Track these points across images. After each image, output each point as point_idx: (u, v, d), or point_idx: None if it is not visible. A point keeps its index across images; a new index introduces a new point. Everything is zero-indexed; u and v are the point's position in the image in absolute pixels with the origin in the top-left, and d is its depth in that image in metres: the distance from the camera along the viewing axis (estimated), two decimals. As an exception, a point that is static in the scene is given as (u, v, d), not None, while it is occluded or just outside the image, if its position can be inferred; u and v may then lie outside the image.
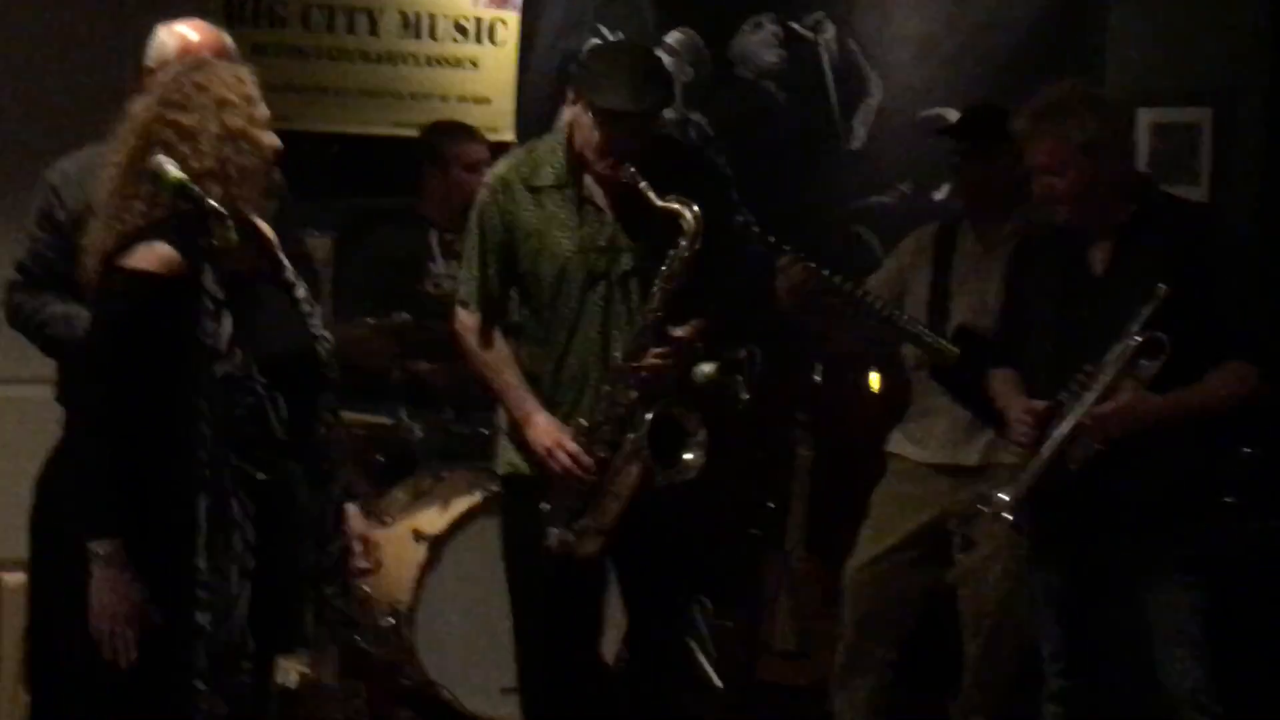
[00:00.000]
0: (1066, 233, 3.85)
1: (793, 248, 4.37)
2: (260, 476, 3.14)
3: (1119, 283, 3.74)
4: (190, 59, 3.25)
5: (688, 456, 3.81)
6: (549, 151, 3.92)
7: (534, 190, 3.88)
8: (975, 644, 4.56)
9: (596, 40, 5.80)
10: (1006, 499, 3.74)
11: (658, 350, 3.77)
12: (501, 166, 3.98)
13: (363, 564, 3.45)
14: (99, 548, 3.04)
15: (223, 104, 3.16)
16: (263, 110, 3.23)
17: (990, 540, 4.48)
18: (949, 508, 4.55)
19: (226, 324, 3.08)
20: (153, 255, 3.07)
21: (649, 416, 3.77)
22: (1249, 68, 5.12)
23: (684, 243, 3.73)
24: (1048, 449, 3.72)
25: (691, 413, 3.81)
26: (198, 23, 4.29)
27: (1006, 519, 3.76)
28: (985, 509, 3.85)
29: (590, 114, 3.76)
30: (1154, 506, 3.71)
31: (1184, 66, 5.35)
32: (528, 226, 3.89)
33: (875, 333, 4.58)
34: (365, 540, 3.44)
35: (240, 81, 3.21)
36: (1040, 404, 3.76)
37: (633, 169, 3.72)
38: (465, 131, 5.50)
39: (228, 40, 4.28)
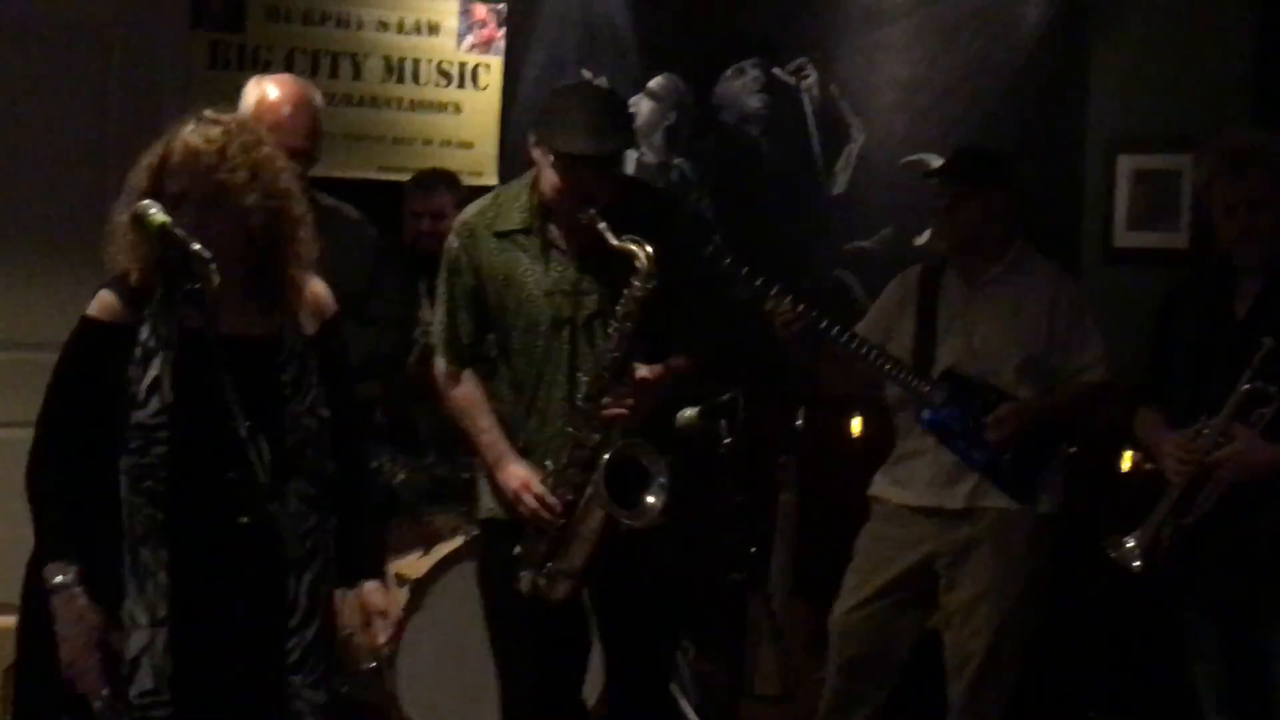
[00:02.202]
0: (1218, 275, 3.93)
1: (780, 288, 4.39)
2: (243, 520, 3.11)
3: (1258, 330, 3.79)
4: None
5: (649, 500, 3.77)
6: (515, 196, 3.91)
7: (500, 236, 3.87)
8: (959, 688, 4.53)
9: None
10: (1132, 546, 3.86)
11: (620, 392, 3.74)
12: (468, 213, 3.98)
13: (382, 638, 3.34)
14: (54, 573, 3.07)
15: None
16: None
17: (975, 583, 4.48)
18: (934, 550, 4.54)
19: (152, 373, 3.10)
20: (98, 303, 3.17)
21: (605, 459, 3.75)
22: (1229, 114, 5.15)
23: (637, 282, 3.71)
24: (1164, 503, 3.83)
25: (654, 454, 3.77)
26: (283, 78, 4.34)
27: (1136, 568, 3.86)
28: (1113, 555, 3.91)
29: (551, 158, 3.75)
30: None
31: (1165, 113, 5.38)
32: (493, 271, 3.87)
33: (869, 374, 4.59)
34: (385, 615, 3.33)
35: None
36: (1192, 440, 3.82)
37: (592, 211, 3.71)
38: (428, 184, 5.47)
39: (311, 95, 4.27)
